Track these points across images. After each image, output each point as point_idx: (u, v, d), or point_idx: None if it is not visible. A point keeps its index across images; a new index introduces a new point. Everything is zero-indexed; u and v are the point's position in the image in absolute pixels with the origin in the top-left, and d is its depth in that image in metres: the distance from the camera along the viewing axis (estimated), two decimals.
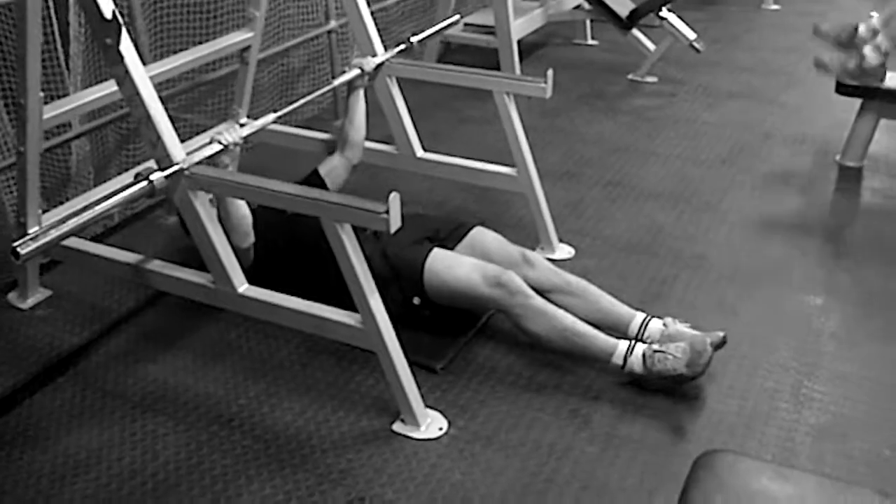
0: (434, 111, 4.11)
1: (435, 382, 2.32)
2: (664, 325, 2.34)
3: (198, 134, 3.18)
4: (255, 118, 2.46)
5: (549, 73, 2.64)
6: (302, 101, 2.59)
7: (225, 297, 2.26)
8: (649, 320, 2.35)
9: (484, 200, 3.22)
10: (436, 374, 2.35)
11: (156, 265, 2.37)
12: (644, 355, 2.21)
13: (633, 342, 2.25)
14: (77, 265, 2.72)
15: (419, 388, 2.16)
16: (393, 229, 1.86)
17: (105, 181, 3.19)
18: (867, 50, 3.23)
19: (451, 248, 2.49)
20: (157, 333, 2.56)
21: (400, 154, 3.01)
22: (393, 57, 2.88)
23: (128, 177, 2.89)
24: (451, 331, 2.49)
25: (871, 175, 3.51)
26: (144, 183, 1.99)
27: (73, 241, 2.48)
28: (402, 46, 2.95)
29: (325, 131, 3.15)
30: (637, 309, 2.39)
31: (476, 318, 2.54)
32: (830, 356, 2.40)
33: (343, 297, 2.05)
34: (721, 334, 2.25)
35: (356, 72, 2.75)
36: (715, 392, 2.26)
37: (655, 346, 2.22)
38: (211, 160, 2.23)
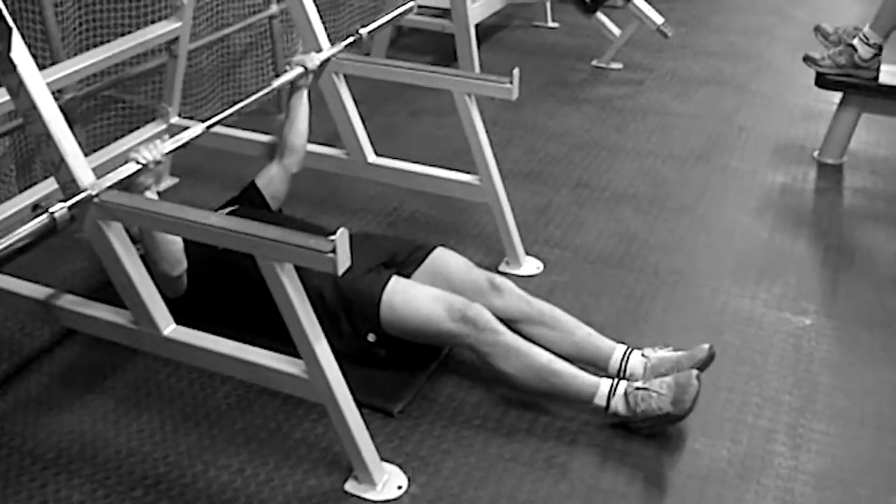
0: (385, 103, 3.81)
1: (392, 429, 2.06)
2: (643, 356, 2.11)
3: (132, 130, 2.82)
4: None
5: (516, 71, 2.37)
6: (237, 106, 2.28)
7: (148, 340, 1.95)
8: (630, 353, 2.11)
9: (442, 207, 2.95)
10: (393, 418, 2.09)
11: (67, 301, 2.05)
12: (626, 394, 1.98)
13: (615, 381, 2.01)
14: None
15: (374, 438, 1.90)
16: (340, 271, 1.59)
17: (30, 179, 2.86)
18: (857, 42, 3.03)
19: (410, 274, 2.22)
20: (74, 373, 2.24)
21: (350, 159, 2.71)
22: (340, 52, 2.57)
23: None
24: (409, 366, 2.22)
25: (853, 173, 3.31)
26: (44, 217, 1.68)
27: None
28: (351, 39, 2.64)
29: (267, 132, 2.84)
30: (617, 341, 2.15)
31: (437, 351, 2.27)
32: (826, 387, 2.20)
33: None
34: (705, 348, 2.07)
35: (298, 70, 2.44)
36: (703, 432, 2.04)
37: (638, 384, 1.99)
38: (128, 182, 1.92)
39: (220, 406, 2.14)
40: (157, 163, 1.93)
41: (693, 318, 2.45)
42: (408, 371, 2.21)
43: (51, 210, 1.68)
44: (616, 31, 4.30)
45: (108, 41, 2.72)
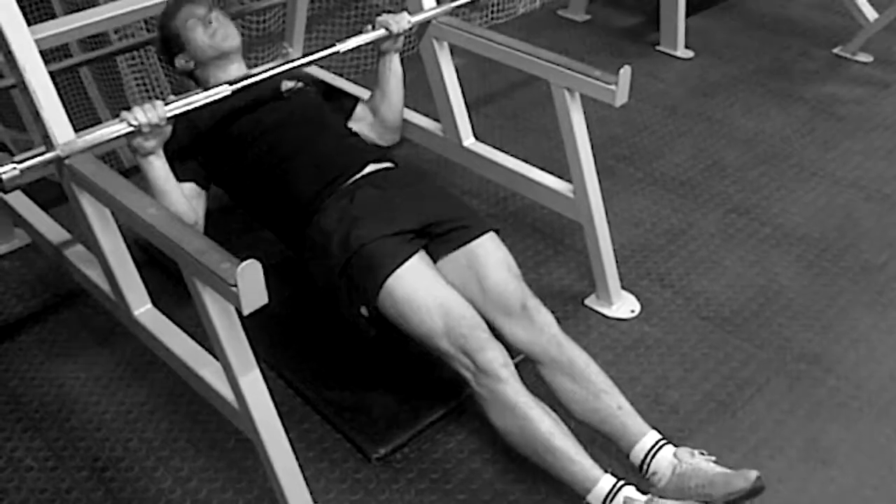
0: None
1: (363, 477, 1.75)
2: (676, 456, 1.60)
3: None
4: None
5: (625, 70, 1.85)
6: (286, 65, 1.98)
7: (122, 315, 1.81)
8: (660, 447, 1.62)
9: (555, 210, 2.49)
10: (369, 464, 1.78)
11: (74, 252, 1.95)
12: None
13: (617, 484, 1.53)
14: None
15: (337, 483, 1.65)
16: (246, 312, 1.29)
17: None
18: None
19: (442, 255, 1.81)
20: (98, 321, 2.17)
21: (444, 138, 2.35)
22: (444, 14, 2.18)
23: None
24: (416, 402, 1.88)
25: None
26: None
27: (16, 201, 2.13)
28: (462, 1, 2.24)
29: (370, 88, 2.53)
30: (653, 427, 1.65)
31: (457, 391, 1.90)
32: None
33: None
34: (751, 478, 1.53)
35: (379, 32, 2.09)
36: None
37: (637, 498, 1.51)
38: (128, 144, 1.74)
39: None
40: (154, 126, 1.71)
41: (800, 432, 1.84)
42: (411, 408, 1.87)
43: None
44: (871, 14, 3.40)
45: None
